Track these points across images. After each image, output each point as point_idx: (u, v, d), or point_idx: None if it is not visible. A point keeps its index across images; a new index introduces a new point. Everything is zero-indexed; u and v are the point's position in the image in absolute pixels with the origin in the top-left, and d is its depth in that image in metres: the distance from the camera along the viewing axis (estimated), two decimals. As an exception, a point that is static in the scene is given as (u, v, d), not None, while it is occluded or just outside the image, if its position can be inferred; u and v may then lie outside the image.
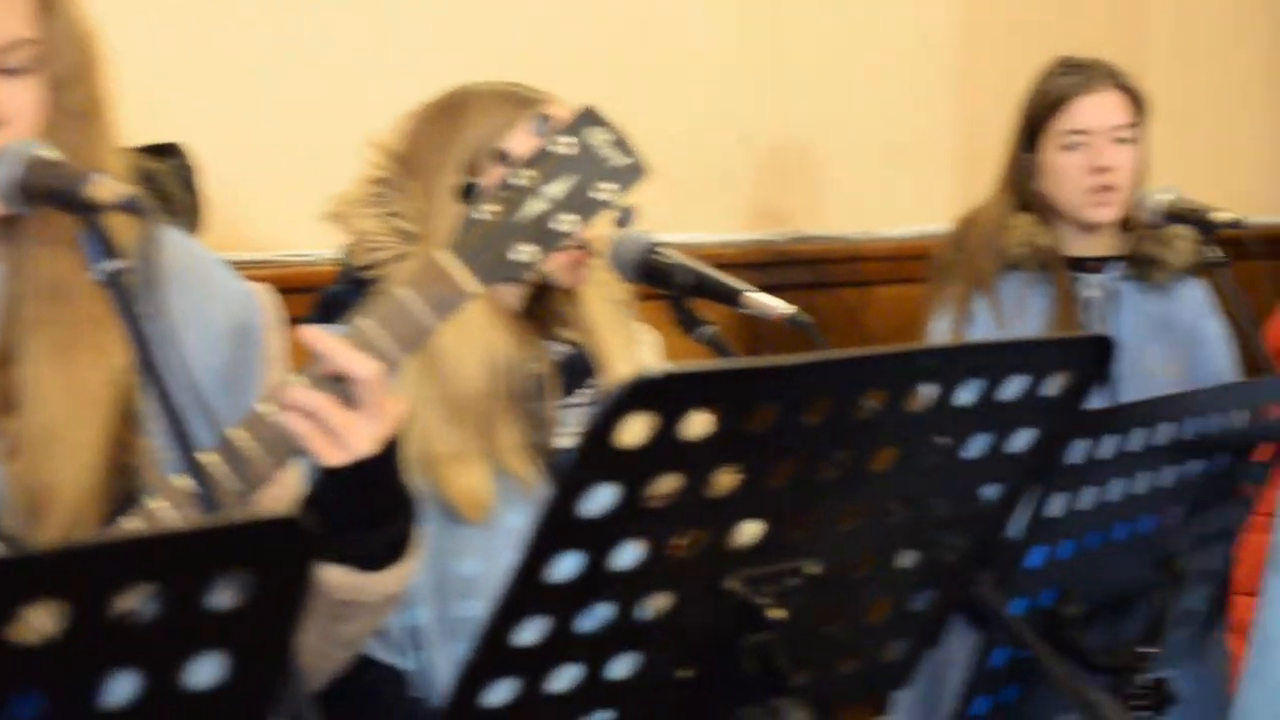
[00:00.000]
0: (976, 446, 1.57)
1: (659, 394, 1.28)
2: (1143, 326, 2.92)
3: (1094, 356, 1.59)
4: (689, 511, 1.39)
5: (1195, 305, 3.01)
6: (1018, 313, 2.94)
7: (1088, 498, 1.91)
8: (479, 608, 1.85)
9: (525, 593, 1.33)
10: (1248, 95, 4.53)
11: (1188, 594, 2.14)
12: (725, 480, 1.40)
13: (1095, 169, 2.90)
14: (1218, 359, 3.01)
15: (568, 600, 1.37)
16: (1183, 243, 2.91)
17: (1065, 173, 2.93)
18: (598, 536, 1.34)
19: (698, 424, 1.33)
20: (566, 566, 1.34)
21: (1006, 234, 2.95)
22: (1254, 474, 2.15)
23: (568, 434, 2.17)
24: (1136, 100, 2.96)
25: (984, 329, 2.94)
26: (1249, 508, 2.18)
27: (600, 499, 1.32)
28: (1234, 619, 2.76)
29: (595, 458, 1.29)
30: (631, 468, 1.31)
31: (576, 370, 2.22)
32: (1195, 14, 4.30)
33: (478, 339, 2.10)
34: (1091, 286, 2.96)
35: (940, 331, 2.98)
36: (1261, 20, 4.56)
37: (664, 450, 1.32)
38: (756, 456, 1.40)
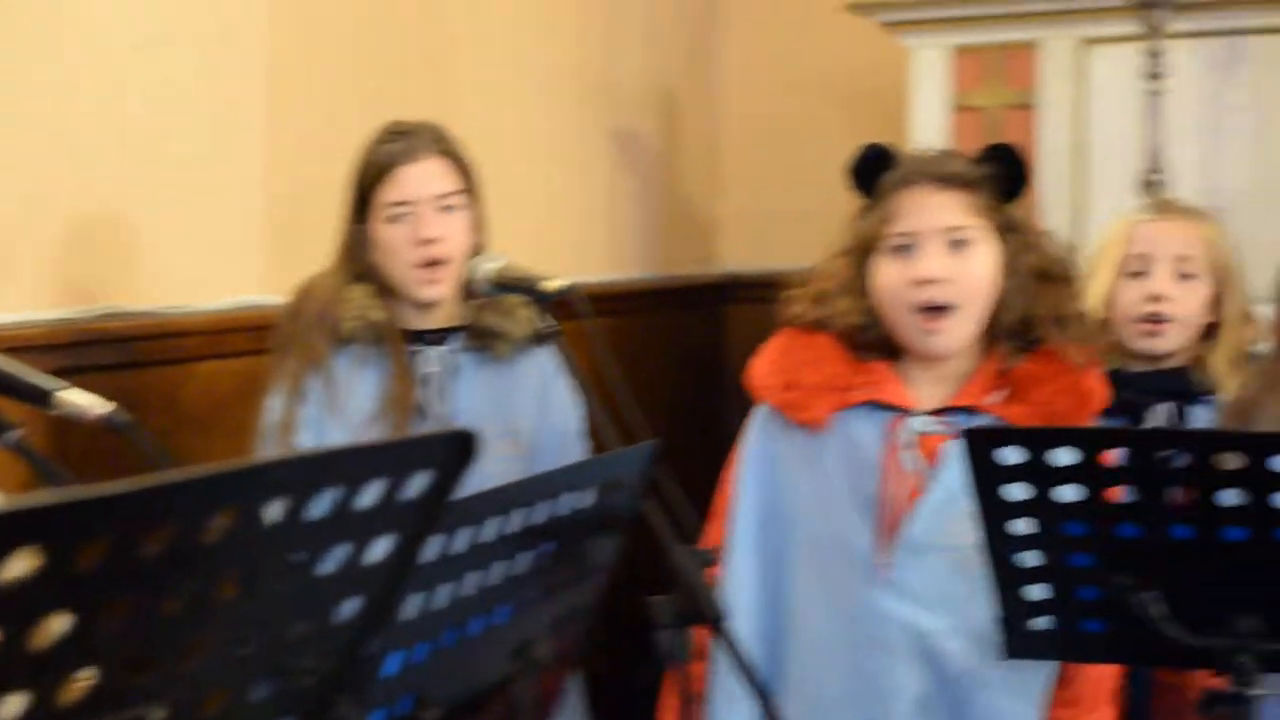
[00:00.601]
0: (334, 560, 1.44)
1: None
2: (483, 400, 2.85)
3: (455, 452, 1.49)
4: (10, 669, 1.19)
5: (540, 375, 2.93)
6: (350, 390, 2.81)
7: (442, 596, 1.82)
8: None
9: None
10: (555, 156, 4.61)
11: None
12: (53, 628, 1.21)
13: (420, 241, 2.80)
14: (564, 429, 2.96)
15: None
16: (524, 311, 2.84)
17: (393, 245, 2.82)
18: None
19: (14, 568, 1.14)
20: None
21: (340, 307, 2.82)
22: (604, 551, 2.11)
23: None
24: (462, 167, 2.88)
25: (316, 408, 2.80)
26: (600, 585, 2.14)
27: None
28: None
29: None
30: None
31: None
32: (501, 79, 4.34)
33: None
34: (431, 361, 2.86)
35: (274, 409, 2.82)
36: (569, 80, 4.66)
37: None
38: (88, 597, 1.22)
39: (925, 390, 2.55)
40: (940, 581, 2.46)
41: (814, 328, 2.59)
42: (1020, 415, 2.47)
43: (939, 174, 2.52)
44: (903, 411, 2.53)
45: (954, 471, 2.45)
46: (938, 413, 2.53)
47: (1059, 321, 2.52)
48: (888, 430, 2.53)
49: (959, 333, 2.51)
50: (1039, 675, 2.47)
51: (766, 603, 2.60)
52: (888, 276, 2.52)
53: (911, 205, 2.52)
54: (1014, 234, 2.53)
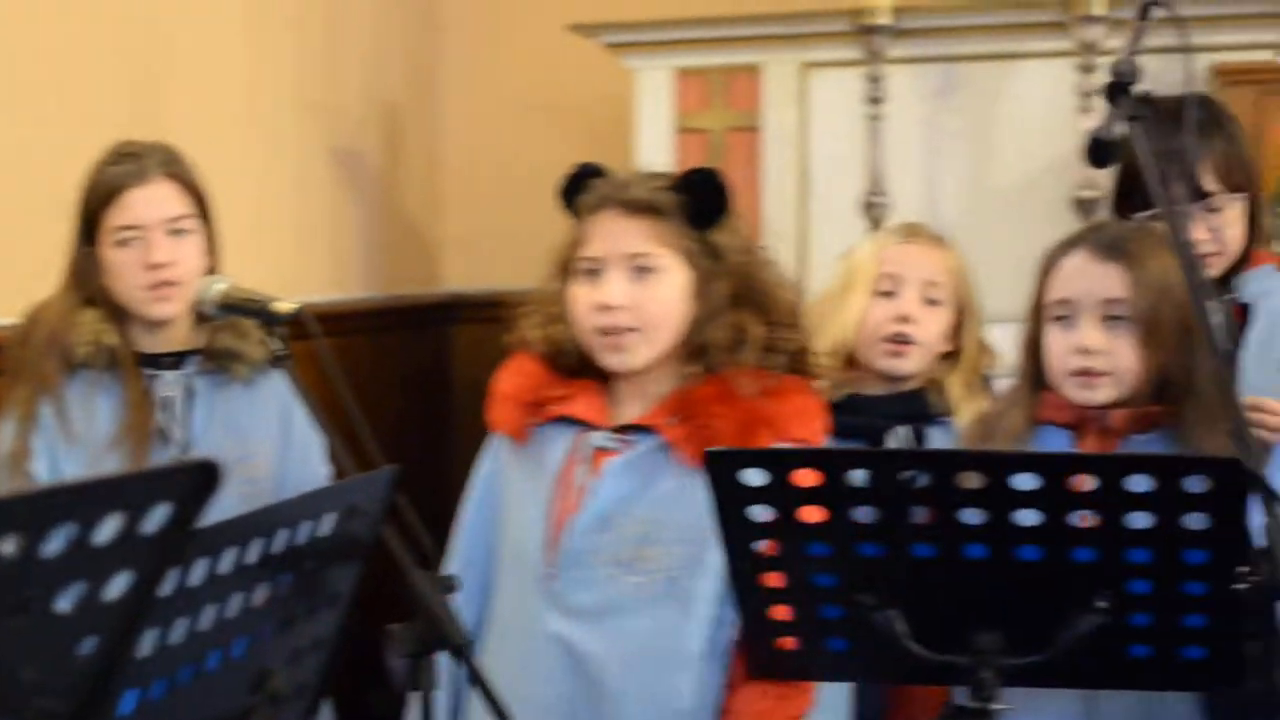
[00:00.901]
0: (70, 598, 1.37)
1: None
2: (221, 425, 2.79)
3: (197, 483, 1.43)
4: None
5: (279, 399, 2.86)
6: (85, 416, 2.74)
7: (179, 630, 1.75)
8: None
9: None
10: (272, 173, 4.52)
11: (286, 711, 2.03)
12: None
13: (150, 265, 2.73)
14: (305, 455, 2.89)
15: None
16: (259, 333, 2.78)
17: (122, 269, 2.74)
18: None
19: None
20: None
21: (72, 332, 2.74)
22: (344, 580, 2.06)
23: None
24: (194, 189, 2.81)
25: (49, 434, 2.73)
26: (341, 614, 2.09)
27: None
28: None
29: None
30: None
31: None
32: (216, 95, 4.23)
33: None
34: (169, 385, 2.79)
35: (5, 438, 2.74)
36: (287, 97, 4.57)
37: None
38: None
39: (628, 409, 2.57)
40: (598, 595, 2.48)
41: (531, 347, 2.61)
42: (679, 437, 2.48)
43: (625, 200, 2.53)
44: (590, 427, 2.55)
45: (611, 486, 2.50)
46: (621, 430, 2.54)
47: (738, 347, 2.51)
48: (573, 445, 2.55)
49: (639, 355, 2.52)
50: (690, 696, 2.49)
51: (470, 619, 2.58)
52: (576, 300, 2.55)
53: (599, 231, 2.53)
54: (708, 260, 2.53)
